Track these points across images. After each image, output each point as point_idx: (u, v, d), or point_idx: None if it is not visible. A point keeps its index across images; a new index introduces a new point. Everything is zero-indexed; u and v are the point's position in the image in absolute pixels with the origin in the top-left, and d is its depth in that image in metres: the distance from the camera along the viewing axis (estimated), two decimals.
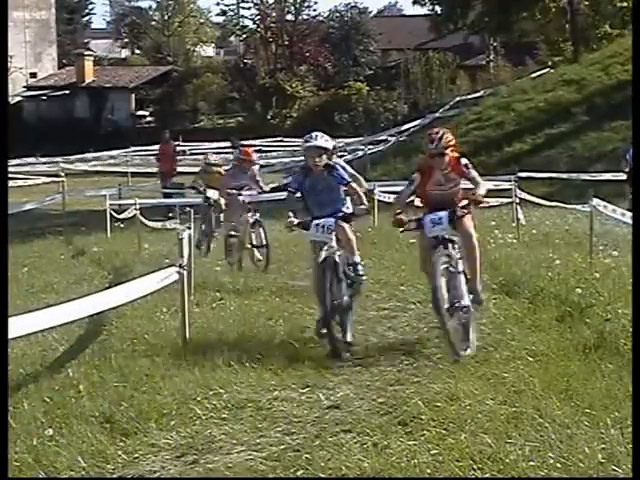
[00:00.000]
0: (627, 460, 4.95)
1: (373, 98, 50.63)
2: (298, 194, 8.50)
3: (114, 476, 5.31)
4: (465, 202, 7.90)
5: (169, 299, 9.44)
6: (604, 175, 20.91)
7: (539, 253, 12.82)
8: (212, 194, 15.16)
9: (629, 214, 10.80)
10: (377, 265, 12.36)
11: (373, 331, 8.69)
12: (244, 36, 57.94)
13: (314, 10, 56.15)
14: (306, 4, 55.24)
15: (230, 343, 8.00)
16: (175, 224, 17.10)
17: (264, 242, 13.23)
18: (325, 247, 8.09)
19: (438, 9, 44.87)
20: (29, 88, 55.35)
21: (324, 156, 8.25)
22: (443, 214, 7.70)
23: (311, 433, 5.81)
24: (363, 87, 51.61)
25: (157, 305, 9.70)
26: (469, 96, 41.16)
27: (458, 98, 42.17)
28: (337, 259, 8.03)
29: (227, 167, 15.64)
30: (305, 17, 55.83)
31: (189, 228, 9.99)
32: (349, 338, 8.01)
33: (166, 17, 64.56)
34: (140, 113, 54.62)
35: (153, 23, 65.71)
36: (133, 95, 54.81)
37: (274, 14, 55.28)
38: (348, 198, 8.65)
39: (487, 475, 4.98)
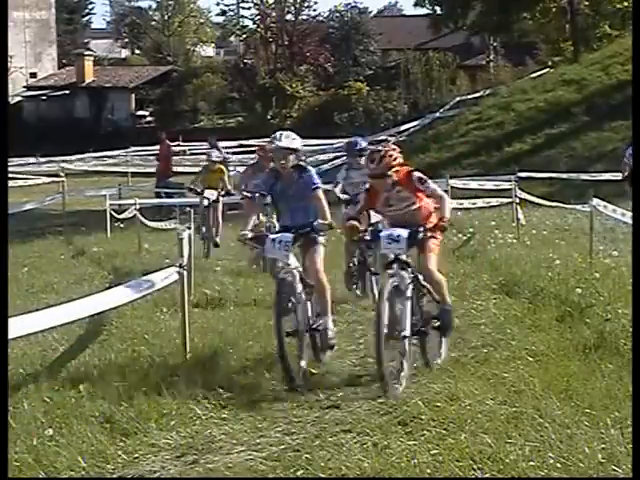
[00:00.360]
0: (627, 460, 4.95)
1: (373, 98, 50.62)
2: (269, 198, 7.81)
3: (114, 476, 5.31)
4: (433, 222, 7.17)
5: (169, 299, 9.45)
6: (604, 175, 20.89)
7: (539, 253, 12.82)
8: (210, 194, 14.98)
9: (629, 214, 10.80)
10: None
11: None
12: (244, 36, 57.90)
13: (314, 10, 56.18)
14: (306, 4, 55.21)
15: (230, 343, 8.00)
16: (175, 224, 17.09)
17: None
18: (281, 266, 7.35)
19: (438, 9, 44.88)
20: (29, 88, 55.34)
21: (291, 157, 7.47)
22: (402, 232, 6.96)
23: (311, 433, 5.81)
24: (363, 87, 51.60)
25: (157, 305, 9.70)
26: (469, 96, 41.18)
27: (458, 98, 42.19)
28: (295, 280, 7.16)
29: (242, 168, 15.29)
30: (305, 17, 55.79)
31: (189, 228, 10.00)
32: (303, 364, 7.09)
33: (166, 17, 64.58)
34: (140, 113, 54.59)
35: (153, 23, 65.73)
36: (133, 95, 54.79)
37: (274, 14, 55.26)
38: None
39: (487, 475, 4.98)
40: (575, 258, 11.95)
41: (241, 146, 36.14)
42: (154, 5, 66.21)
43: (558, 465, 4.99)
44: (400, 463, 5.14)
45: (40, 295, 11.45)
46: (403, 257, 6.97)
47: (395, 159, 7.16)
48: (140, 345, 8.07)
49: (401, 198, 7.24)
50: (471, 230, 16.02)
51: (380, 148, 7.46)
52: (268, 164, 12.28)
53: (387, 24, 59.57)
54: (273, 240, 7.27)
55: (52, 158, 37.63)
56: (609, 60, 31.75)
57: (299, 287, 7.18)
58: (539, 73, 39.27)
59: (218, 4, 75.15)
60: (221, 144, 27.91)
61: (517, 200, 16.99)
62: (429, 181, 7.29)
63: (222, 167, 15.55)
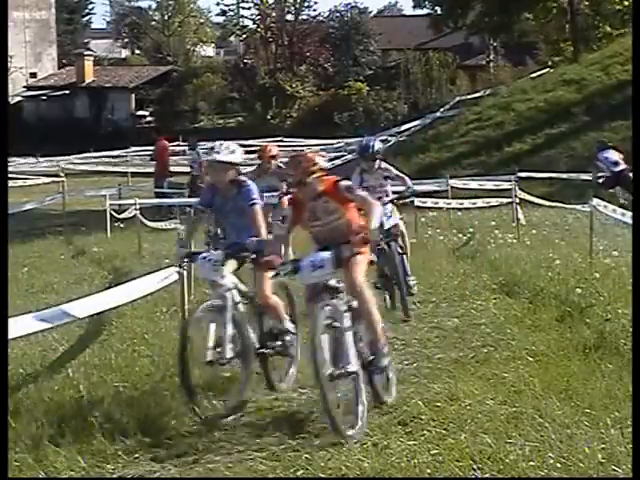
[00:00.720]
0: (627, 460, 4.95)
1: (373, 98, 50.63)
2: (209, 212, 7.20)
3: (114, 476, 5.32)
4: (359, 236, 6.23)
5: (169, 299, 9.44)
6: None
7: (539, 253, 12.82)
8: None
9: (629, 214, 10.80)
10: None
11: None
12: (244, 36, 57.91)
13: (314, 10, 56.20)
14: (306, 4, 55.24)
15: None
16: (175, 224, 17.07)
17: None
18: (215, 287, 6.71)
19: (438, 9, 44.89)
20: (29, 88, 55.34)
21: (231, 172, 6.84)
22: (325, 256, 6.14)
23: (311, 433, 5.81)
24: (363, 87, 51.61)
25: (157, 305, 9.70)
26: (469, 96, 41.16)
27: (458, 98, 42.18)
28: (229, 303, 6.45)
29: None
30: (305, 17, 55.82)
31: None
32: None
33: (166, 17, 64.53)
34: (140, 113, 54.57)
35: (153, 23, 65.68)
36: (133, 95, 54.79)
37: (274, 14, 55.26)
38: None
39: (487, 475, 4.98)
40: (575, 258, 11.95)
41: (242, 146, 36.09)
42: (154, 5, 66.21)
43: (558, 465, 4.99)
44: (400, 463, 5.14)
45: (40, 295, 11.45)
46: (332, 283, 6.17)
47: (314, 164, 6.41)
48: (140, 345, 8.08)
49: (328, 210, 6.44)
50: (471, 230, 16.03)
51: (300, 154, 6.78)
52: (269, 162, 11.72)
53: (387, 24, 59.56)
54: (203, 259, 6.70)
55: (52, 158, 37.64)
56: (609, 60, 31.77)
57: (230, 313, 6.42)
58: (539, 73, 39.26)
59: (218, 4, 75.05)
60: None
61: (517, 200, 17.01)
62: (357, 189, 6.76)
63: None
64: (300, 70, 53.86)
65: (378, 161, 9.96)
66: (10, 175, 24.49)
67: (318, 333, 5.81)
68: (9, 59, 47.09)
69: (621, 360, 6.83)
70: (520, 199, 17.16)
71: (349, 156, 29.44)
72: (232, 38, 63.47)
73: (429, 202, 17.94)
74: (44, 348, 8.08)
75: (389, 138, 37.64)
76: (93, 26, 74.80)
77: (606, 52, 33.67)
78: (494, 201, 18.31)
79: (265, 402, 6.49)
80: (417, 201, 15.63)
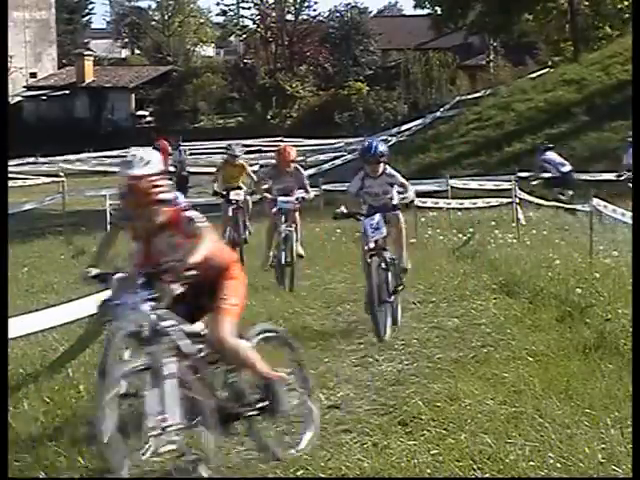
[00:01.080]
0: (627, 460, 4.95)
1: (373, 98, 50.66)
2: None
3: (114, 476, 5.31)
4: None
5: None
6: (604, 175, 20.91)
7: (539, 253, 12.82)
8: (236, 195, 13.63)
9: (629, 214, 10.80)
10: None
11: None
12: (244, 36, 57.99)
13: (314, 10, 56.31)
14: (306, 4, 55.33)
15: None
16: None
17: (288, 259, 11.53)
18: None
19: (438, 9, 44.88)
20: (29, 88, 55.35)
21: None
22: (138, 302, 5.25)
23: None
24: (363, 87, 51.64)
25: None
26: (469, 96, 41.18)
27: (458, 98, 42.20)
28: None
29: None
30: (305, 17, 55.88)
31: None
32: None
33: (166, 17, 64.53)
34: (140, 113, 54.58)
35: (153, 23, 65.67)
36: (133, 95, 54.80)
37: (274, 14, 55.31)
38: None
39: (487, 475, 4.98)
40: (575, 258, 11.94)
41: (243, 146, 36.09)
42: (154, 5, 66.19)
43: (558, 465, 4.99)
44: (400, 463, 5.14)
45: (40, 295, 11.44)
46: (159, 328, 5.17)
47: (153, 185, 5.23)
48: None
49: (175, 246, 5.40)
50: (471, 230, 16.02)
51: (135, 174, 5.26)
52: (286, 165, 11.76)
53: (387, 24, 59.56)
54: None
55: (52, 158, 37.64)
56: (609, 60, 31.76)
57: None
58: (539, 73, 39.28)
59: (218, 4, 75.01)
60: (220, 144, 27.79)
61: (517, 200, 17.00)
62: (199, 220, 5.32)
63: (244, 163, 14.11)
64: (300, 70, 53.89)
65: (382, 165, 8.99)
66: (10, 175, 24.52)
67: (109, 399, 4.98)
68: (9, 59, 47.10)
69: (621, 360, 6.83)
70: (520, 199, 17.16)
71: (349, 156, 29.44)
72: (232, 38, 63.50)
73: (429, 202, 17.95)
74: (44, 348, 8.07)
75: (389, 138, 37.70)
76: (93, 26, 74.79)
77: (606, 52, 33.67)
78: (494, 201, 18.31)
79: None
80: (417, 201, 15.61)
